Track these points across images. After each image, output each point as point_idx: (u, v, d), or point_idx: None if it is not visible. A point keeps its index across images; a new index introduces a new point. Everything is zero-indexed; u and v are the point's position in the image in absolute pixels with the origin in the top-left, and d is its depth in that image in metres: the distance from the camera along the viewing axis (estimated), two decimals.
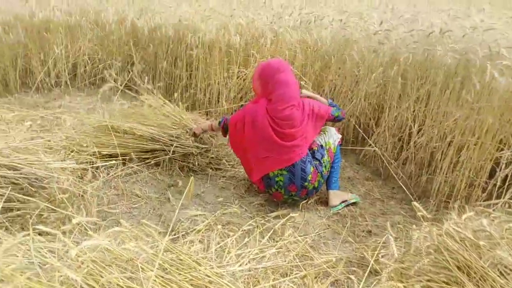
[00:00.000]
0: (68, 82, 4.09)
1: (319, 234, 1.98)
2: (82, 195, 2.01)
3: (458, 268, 1.29)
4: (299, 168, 2.10)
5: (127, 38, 4.11)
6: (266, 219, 2.04)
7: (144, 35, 3.97)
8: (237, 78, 3.37)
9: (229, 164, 2.70)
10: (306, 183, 2.12)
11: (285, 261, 1.60)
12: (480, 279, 1.23)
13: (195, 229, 1.90)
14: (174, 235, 1.84)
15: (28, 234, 1.17)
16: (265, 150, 2.14)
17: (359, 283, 1.39)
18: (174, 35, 3.73)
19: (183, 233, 1.85)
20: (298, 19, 3.49)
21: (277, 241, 1.78)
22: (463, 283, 1.23)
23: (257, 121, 2.13)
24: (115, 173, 2.43)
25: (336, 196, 2.25)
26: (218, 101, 3.49)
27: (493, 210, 1.56)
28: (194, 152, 2.53)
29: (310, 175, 2.11)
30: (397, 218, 2.17)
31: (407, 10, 4.53)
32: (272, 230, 1.88)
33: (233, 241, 1.72)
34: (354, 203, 2.30)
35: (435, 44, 2.53)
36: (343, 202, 2.25)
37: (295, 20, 3.52)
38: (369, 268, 1.49)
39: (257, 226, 1.94)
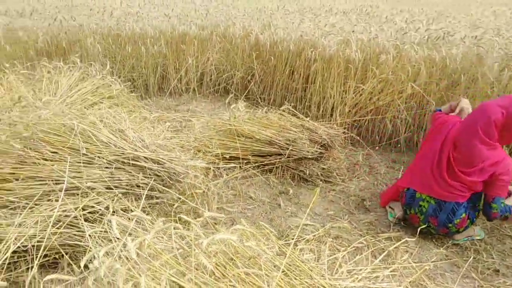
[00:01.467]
0: (196, 89, 4.56)
1: (435, 263, 1.86)
2: (206, 192, 2.25)
3: None
4: (450, 208, 1.93)
5: (250, 51, 4.42)
6: (377, 239, 2.00)
7: (265, 49, 4.22)
8: (353, 93, 3.36)
9: (340, 178, 2.70)
10: (450, 225, 1.95)
11: (400, 286, 1.56)
12: None
13: (305, 238, 1.96)
14: (285, 241, 1.93)
15: (171, 221, 1.37)
16: (429, 167, 1.99)
17: None
18: (294, 49, 3.89)
19: (294, 240, 1.93)
20: (426, 35, 3.34)
21: (390, 264, 1.73)
22: None
23: (444, 136, 1.97)
24: (233, 175, 2.64)
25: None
26: (331, 115, 3.52)
27: None
28: (310, 157, 2.61)
29: (458, 220, 1.93)
30: None
31: None
32: (386, 251, 1.83)
33: (344, 256, 1.74)
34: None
35: None
36: (467, 236, 2.07)
37: (421, 36, 3.38)
38: None
39: (368, 245, 1.92)
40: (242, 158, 2.72)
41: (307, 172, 2.66)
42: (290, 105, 3.07)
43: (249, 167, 2.67)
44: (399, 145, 3.20)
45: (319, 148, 2.69)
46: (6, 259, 1.51)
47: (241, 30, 4.57)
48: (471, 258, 1.92)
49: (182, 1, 7.24)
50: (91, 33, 4.15)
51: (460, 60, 3.00)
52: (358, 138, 3.13)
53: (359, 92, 3.38)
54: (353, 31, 3.73)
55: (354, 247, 1.87)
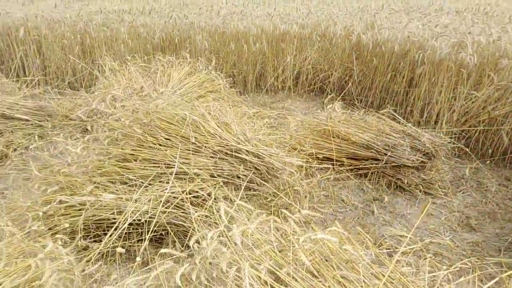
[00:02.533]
0: (291, 87, 4.62)
1: None
2: (298, 190, 2.28)
3: None
4: None
5: (350, 51, 4.32)
6: (484, 263, 1.83)
7: (367, 49, 4.09)
8: (464, 100, 3.10)
9: (442, 191, 2.52)
10: None
11: None
12: None
13: (400, 250, 1.88)
14: (379, 249, 1.87)
15: (271, 215, 1.43)
16: None
17: None
18: (398, 51, 3.71)
19: (389, 250, 1.86)
20: None
21: None
22: None
23: None
24: (326, 176, 2.63)
25: None
26: (436, 122, 3.28)
27: None
28: (410, 165, 2.48)
29: None
30: None
31: None
32: (497, 278, 1.67)
33: (445, 275, 1.63)
34: None
35: None
36: None
37: None
38: None
39: (473, 268, 1.77)
40: (336, 160, 2.69)
41: (406, 181, 2.53)
42: (391, 108, 2.95)
43: (343, 170, 2.64)
44: None
45: (421, 157, 2.54)
46: (123, 229, 1.72)
47: (342, 30, 4.49)
48: None
49: (284, 0, 7.36)
50: (200, 31, 4.45)
51: None
52: (467, 149, 2.87)
53: (471, 99, 3.10)
54: (469, 33, 3.43)
55: (457, 267, 1.74)
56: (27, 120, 2.99)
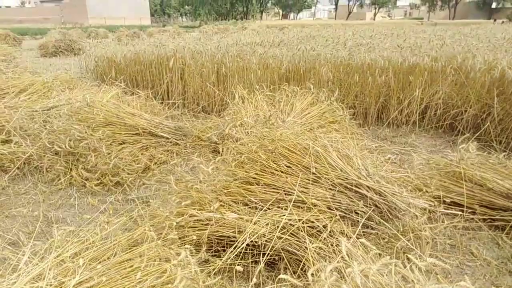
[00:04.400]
0: (417, 122, 4.35)
1: None
2: (420, 235, 2.12)
3: None
4: None
5: (490, 86, 3.91)
6: None
7: (511, 85, 3.64)
8: None
9: None
10: None
11: None
12: None
13: None
14: None
15: (395, 259, 1.37)
16: None
17: None
18: None
19: None
20: None
21: None
22: None
23: None
24: (453, 222, 2.39)
25: None
26: None
27: None
28: None
29: None
30: None
31: None
32: None
33: None
34: None
35: None
36: None
37: None
38: None
39: None
40: (467, 207, 2.43)
41: None
42: None
43: (474, 218, 2.36)
44: None
45: None
46: (242, 248, 1.83)
47: (482, 63, 4.09)
48: None
49: (414, 31, 7.05)
50: (325, 62, 4.56)
51: None
52: None
53: None
54: None
55: None
56: (167, 138, 3.45)
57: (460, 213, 2.42)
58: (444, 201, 2.50)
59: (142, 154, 3.07)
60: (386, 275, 1.39)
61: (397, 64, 4.44)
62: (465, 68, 4.25)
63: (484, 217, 2.40)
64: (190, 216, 1.94)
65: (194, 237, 1.83)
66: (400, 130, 4.36)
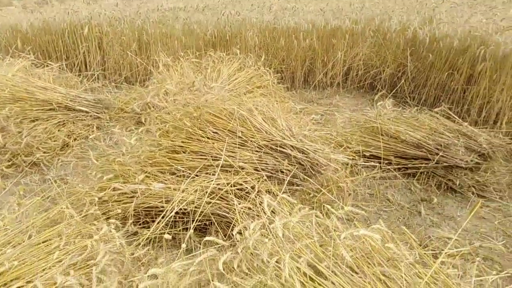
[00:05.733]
0: (340, 84, 4.54)
1: None
2: (342, 187, 2.26)
3: None
4: None
5: (404, 46, 4.16)
6: None
7: (423, 45, 3.91)
8: None
9: (497, 194, 2.38)
10: None
11: None
12: None
13: (447, 252, 1.81)
14: (426, 251, 1.82)
15: (313, 209, 1.44)
16: None
17: None
18: (457, 46, 3.51)
19: (434, 251, 1.80)
20: None
21: None
22: None
23: None
24: (372, 174, 2.58)
25: None
26: (495, 122, 3.08)
27: None
28: (463, 166, 2.37)
29: None
30: None
31: None
32: None
33: (494, 280, 1.55)
34: None
35: None
36: None
37: None
38: None
39: None
40: (383, 158, 2.63)
41: (457, 183, 2.42)
42: (446, 106, 2.81)
43: (390, 168, 2.57)
44: None
45: (476, 158, 2.41)
46: (170, 217, 1.81)
47: (397, 25, 4.33)
48: None
49: None
50: (251, 27, 4.51)
51: None
52: None
53: None
54: None
55: (508, 273, 1.64)
56: (87, 112, 3.23)
57: (378, 164, 2.60)
58: (364, 155, 2.67)
59: (59, 130, 2.85)
60: (308, 226, 1.47)
61: (321, 27, 4.53)
62: (383, 30, 4.47)
63: (399, 166, 2.61)
64: (113, 190, 1.85)
65: (119, 211, 1.76)
66: (325, 92, 4.51)
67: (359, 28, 4.51)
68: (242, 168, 2.01)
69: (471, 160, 2.39)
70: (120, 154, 2.07)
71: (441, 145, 2.47)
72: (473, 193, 2.39)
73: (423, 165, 2.51)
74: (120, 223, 1.72)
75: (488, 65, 3.15)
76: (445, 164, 2.45)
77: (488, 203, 2.34)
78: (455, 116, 2.72)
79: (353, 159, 2.58)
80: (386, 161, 2.64)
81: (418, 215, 2.24)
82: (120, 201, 1.87)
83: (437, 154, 2.45)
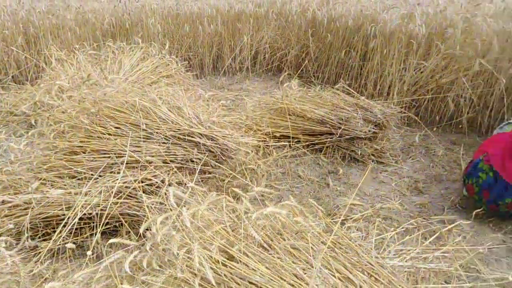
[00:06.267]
0: (249, 68, 4.59)
1: (490, 249, 1.78)
2: (255, 169, 2.31)
3: None
4: (504, 184, 1.88)
5: (306, 28, 4.33)
6: (429, 222, 1.94)
7: (322, 25, 4.11)
8: (413, 70, 3.20)
9: (393, 159, 2.62)
10: (500, 202, 1.90)
11: (450, 267, 1.51)
12: None
13: (352, 218, 1.96)
14: (333, 219, 1.94)
15: (222, 194, 1.44)
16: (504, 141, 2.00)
17: None
18: (352, 25, 3.75)
19: (342, 218, 1.93)
20: (502, 6, 3.04)
21: (441, 246, 1.69)
22: None
23: None
24: (283, 153, 2.67)
25: None
26: (388, 94, 3.38)
27: None
28: (362, 136, 2.56)
29: (509, 200, 1.87)
30: None
31: None
32: (437, 234, 1.78)
33: (392, 236, 1.72)
34: None
35: None
36: None
37: (497, 7, 3.09)
38: None
39: (419, 227, 1.87)
40: (293, 137, 2.73)
41: (359, 152, 2.61)
42: (345, 83, 3.00)
43: (299, 146, 2.68)
44: (460, 126, 3.01)
45: (373, 128, 2.62)
46: (74, 224, 1.68)
47: (297, 7, 4.49)
48: None
49: None
50: (152, 14, 4.31)
51: None
52: (416, 118, 2.98)
53: (420, 69, 3.21)
54: (418, 4, 3.51)
55: (403, 228, 1.83)
56: None
57: (288, 144, 2.70)
58: (274, 135, 2.74)
59: None
60: (220, 212, 1.47)
61: (225, 12, 4.51)
62: (285, 12, 4.60)
63: (307, 143, 2.74)
64: (2, 204, 1.66)
65: (11, 226, 1.58)
66: (235, 77, 4.54)
67: (263, 11, 4.58)
68: (150, 162, 1.94)
69: (369, 131, 2.60)
70: (8, 162, 1.85)
71: (342, 119, 2.64)
72: (373, 161, 2.61)
73: (328, 139, 2.67)
74: (14, 239, 1.54)
75: (379, 42, 3.42)
76: (347, 136, 2.62)
77: (386, 168, 2.58)
78: (353, 91, 2.92)
79: (264, 141, 2.65)
80: (296, 140, 2.75)
81: (327, 187, 2.37)
82: (12, 215, 1.68)
83: (340, 128, 2.61)
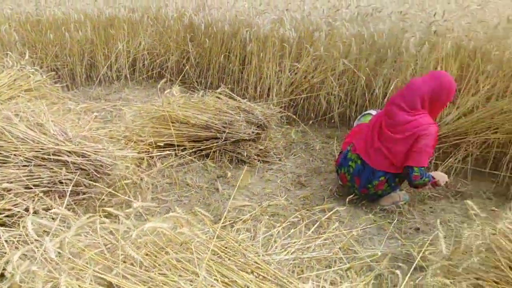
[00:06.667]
0: (128, 76, 4.35)
1: (364, 229, 1.98)
2: (139, 183, 2.18)
3: (511, 268, 1.24)
4: (370, 169, 2.09)
5: (184, 33, 4.28)
6: (312, 212, 2.07)
7: (200, 31, 4.10)
8: (289, 72, 3.40)
9: (277, 157, 2.75)
10: (369, 185, 2.11)
11: (330, 253, 1.63)
12: None
13: (242, 219, 1.98)
14: (222, 223, 1.93)
15: (95, 216, 1.30)
16: (365, 132, 2.18)
17: (403, 278, 1.38)
18: (229, 30, 3.83)
19: (231, 222, 1.93)
20: (356, 12, 3.42)
21: (322, 234, 1.81)
22: None
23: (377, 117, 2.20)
24: (168, 163, 2.57)
25: (388, 197, 2.21)
26: (268, 95, 3.54)
27: None
28: (247, 138, 2.61)
29: (376, 181, 2.09)
30: (447, 217, 2.10)
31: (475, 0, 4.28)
32: (318, 223, 1.90)
33: (279, 231, 1.78)
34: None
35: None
36: (393, 203, 2.21)
37: (352, 12, 3.46)
38: (414, 263, 1.47)
39: (303, 219, 1.98)
40: (178, 145, 2.66)
41: (245, 154, 2.67)
42: (227, 87, 3.04)
43: (185, 154, 2.62)
44: (333, 121, 3.30)
45: (256, 129, 2.69)
46: None
47: (174, 12, 4.40)
48: (396, 220, 2.06)
49: None
50: (5, 20, 3.78)
51: (386, 36, 3.12)
52: (294, 116, 3.18)
53: (294, 71, 3.42)
54: (286, 9, 3.74)
55: (289, 222, 1.92)
56: None
57: (173, 152, 2.61)
58: (158, 145, 2.63)
59: None
60: (93, 236, 1.33)
61: (95, 17, 4.19)
62: (161, 17, 4.47)
63: (194, 150, 2.69)
64: None
65: None
66: (113, 86, 4.25)
67: (137, 16, 4.38)
68: (9, 190, 1.67)
69: (252, 132, 2.67)
70: None
71: (226, 123, 2.66)
72: (259, 161, 2.69)
73: (215, 144, 2.66)
74: None
75: (255, 46, 3.55)
76: (232, 139, 2.65)
77: (271, 166, 2.68)
78: (234, 95, 2.97)
79: (147, 151, 2.51)
80: (181, 147, 2.68)
81: (217, 191, 2.36)
82: None
83: (224, 131, 2.63)
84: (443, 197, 2.32)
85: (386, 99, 2.98)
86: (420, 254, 1.55)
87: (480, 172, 2.50)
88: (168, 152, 2.57)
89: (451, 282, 1.30)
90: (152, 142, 2.56)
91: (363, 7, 3.56)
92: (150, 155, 2.47)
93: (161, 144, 2.63)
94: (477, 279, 1.30)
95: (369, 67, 3.16)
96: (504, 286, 1.25)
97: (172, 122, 2.71)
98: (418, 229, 2.01)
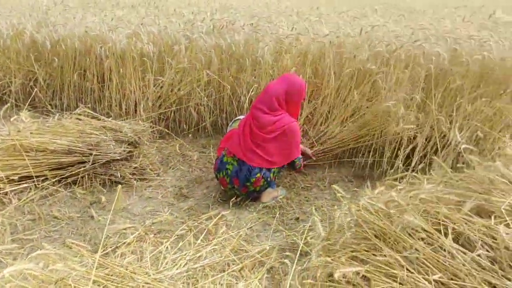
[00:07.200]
0: None
1: (251, 228, 2.05)
2: None
3: (376, 236, 1.44)
4: (247, 168, 2.19)
5: (27, 53, 3.79)
6: (199, 222, 2.05)
7: (46, 49, 3.69)
8: (154, 86, 3.32)
9: (154, 173, 2.65)
10: (248, 183, 2.21)
11: (221, 257, 1.64)
12: (394, 243, 1.39)
13: (125, 242, 1.84)
14: (103, 251, 1.76)
15: None
16: (237, 134, 2.28)
17: (292, 265, 1.48)
18: (81, 47, 3.54)
19: (113, 248, 1.78)
20: (211, 25, 3.55)
21: (211, 241, 1.81)
22: (380, 248, 1.38)
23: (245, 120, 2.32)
24: (28, 197, 2.24)
25: (267, 194, 2.34)
26: (136, 111, 3.39)
27: (400, 182, 1.76)
28: (118, 158, 2.45)
29: (253, 179, 2.19)
30: (320, 203, 2.34)
31: (311, 13, 4.89)
32: (206, 230, 1.90)
33: (167, 247, 1.71)
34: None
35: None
36: (273, 199, 2.36)
37: (208, 25, 3.58)
38: (299, 250, 1.59)
39: (190, 230, 1.95)
40: (36, 176, 2.33)
41: (119, 175, 2.50)
42: (87, 107, 2.81)
43: (47, 184, 2.32)
44: (206, 130, 3.35)
45: (127, 147, 2.55)
46: None
47: (9, 29, 3.86)
48: (277, 214, 2.20)
49: None
50: None
51: (243, 46, 3.32)
52: (167, 130, 3.11)
53: (159, 84, 3.35)
54: (141, 24, 3.65)
55: (177, 235, 1.86)
56: None
57: (32, 184, 2.28)
58: (12, 179, 2.27)
59: None
60: None
61: None
62: None
63: (58, 178, 2.40)
64: None
65: None
66: None
67: None
68: None
69: (123, 151, 2.52)
70: None
71: (92, 145, 2.45)
72: (135, 180, 2.54)
73: (81, 169, 2.42)
74: None
75: (113, 62, 3.36)
76: (101, 161, 2.46)
77: (150, 183, 2.57)
78: (97, 115, 2.76)
79: None
80: (42, 177, 2.36)
81: (91, 219, 2.15)
82: None
83: (91, 154, 2.42)
84: (314, 186, 2.57)
85: (251, 105, 3.17)
86: (303, 241, 1.68)
87: (340, 161, 2.86)
88: (25, 185, 2.24)
89: (332, 259, 1.44)
90: (2, 177, 2.19)
91: (217, 20, 3.72)
92: (3, 192, 2.11)
93: (15, 178, 2.28)
94: (352, 251, 1.48)
95: (232, 76, 3.31)
96: (373, 253, 1.44)
97: (26, 152, 2.38)
98: (298, 218, 2.18)
